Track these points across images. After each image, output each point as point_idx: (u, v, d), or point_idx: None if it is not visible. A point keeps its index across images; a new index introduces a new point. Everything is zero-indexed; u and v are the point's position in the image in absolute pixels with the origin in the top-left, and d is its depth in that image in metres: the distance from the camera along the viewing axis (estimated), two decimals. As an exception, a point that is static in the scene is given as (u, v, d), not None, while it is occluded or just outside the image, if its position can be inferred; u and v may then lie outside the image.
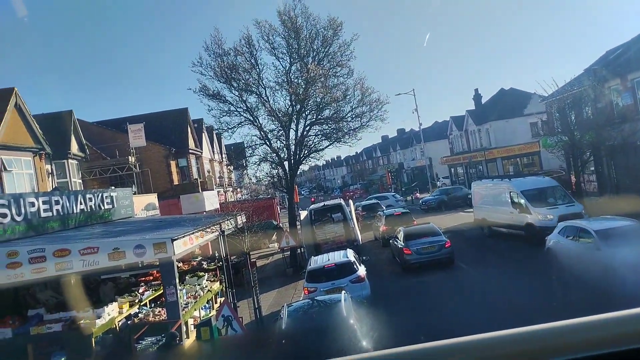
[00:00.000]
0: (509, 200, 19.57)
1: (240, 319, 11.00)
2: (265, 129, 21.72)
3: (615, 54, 26.56)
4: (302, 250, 21.53)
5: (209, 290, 15.30)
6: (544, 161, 41.10)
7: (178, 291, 11.94)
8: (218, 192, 33.99)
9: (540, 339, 1.07)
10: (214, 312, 15.33)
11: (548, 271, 13.45)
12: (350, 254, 14.00)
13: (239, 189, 45.07)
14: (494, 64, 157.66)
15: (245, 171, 42.19)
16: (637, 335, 1.03)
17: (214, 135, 39.26)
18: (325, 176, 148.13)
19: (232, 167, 43.57)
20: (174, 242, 11.89)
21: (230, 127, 22.03)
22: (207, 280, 16.56)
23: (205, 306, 14.66)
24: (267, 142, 21.83)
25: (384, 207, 31.13)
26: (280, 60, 22.00)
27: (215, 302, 16.08)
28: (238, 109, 21.77)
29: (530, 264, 15.53)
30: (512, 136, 43.41)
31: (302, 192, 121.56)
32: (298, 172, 25.96)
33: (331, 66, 21.66)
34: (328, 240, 21.40)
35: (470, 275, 16.03)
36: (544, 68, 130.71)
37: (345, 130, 22.16)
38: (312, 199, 52.60)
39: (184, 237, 12.79)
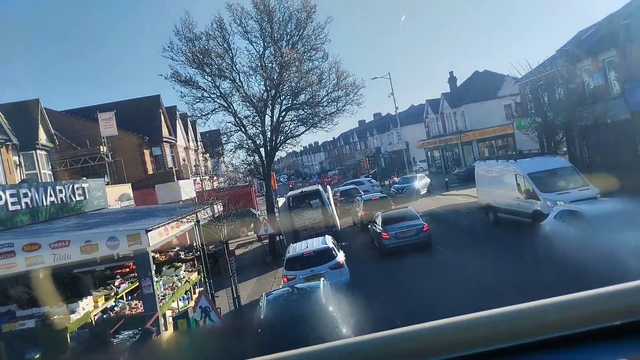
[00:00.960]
0: (515, 185, 17.45)
1: (219, 309, 10.86)
2: (240, 115, 21.42)
3: (587, 34, 26.89)
4: (281, 238, 21.41)
5: (186, 281, 15.08)
6: (518, 143, 41.67)
7: (154, 283, 11.71)
8: (194, 180, 33.52)
9: (523, 317, 1.08)
10: (192, 303, 15.15)
11: (534, 254, 13.45)
12: (329, 240, 13.95)
13: (215, 177, 44.59)
14: (468, 46, 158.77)
15: (221, 159, 41.78)
16: (622, 311, 1.04)
17: (189, 122, 38.57)
18: (303, 162, 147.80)
19: (208, 154, 43.08)
20: (149, 233, 11.60)
21: (204, 113, 21.65)
22: (184, 271, 16.32)
23: (183, 297, 14.45)
24: (243, 129, 21.54)
25: (362, 192, 31.18)
26: (254, 44, 21.66)
27: (194, 293, 15.87)
28: (212, 95, 21.39)
29: (519, 247, 15.22)
30: (487, 119, 43.84)
31: (281, 179, 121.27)
32: (275, 159, 25.74)
33: (305, 50, 21.39)
34: (307, 226, 21.32)
35: (449, 258, 16.18)
36: (517, 50, 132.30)
37: (322, 115, 22.00)
38: (290, 186, 52.42)
39: (158, 227, 12.51)
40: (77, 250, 11.54)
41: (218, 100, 21.30)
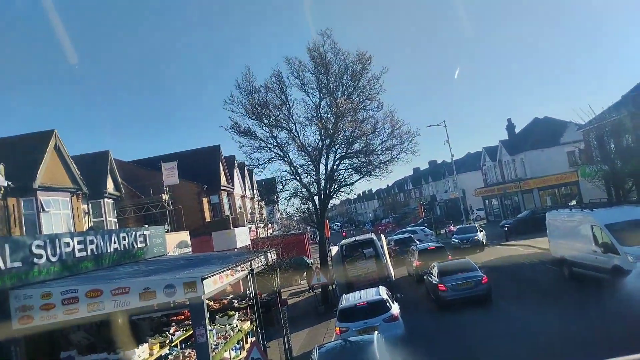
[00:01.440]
0: (591, 237, 15.90)
1: (271, 361, 10.67)
2: (295, 164, 21.79)
3: (653, 80, 25.72)
4: (334, 287, 21.10)
5: (239, 330, 15.02)
6: (583, 191, 39.73)
7: (208, 332, 11.75)
8: (249, 228, 34.07)
9: None
10: (244, 354, 15.03)
11: (609, 310, 12.44)
12: (383, 292, 13.57)
13: (270, 225, 45.17)
14: (526, 93, 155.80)
15: (276, 206, 42.41)
16: None
17: (245, 171, 39.75)
18: (356, 210, 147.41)
19: (263, 202, 43.89)
20: (204, 281, 11.76)
21: (260, 162, 22.19)
22: (237, 320, 16.32)
23: (235, 347, 14.37)
24: (297, 177, 21.84)
25: (417, 242, 30.45)
26: (310, 95, 22.25)
27: (246, 342, 15.77)
28: (268, 145, 21.95)
29: (591, 304, 14.29)
30: (548, 166, 42.27)
31: (334, 227, 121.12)
32: (329, 206, 25.81)
33: (360, 100, 21.72)
34: (360, 276, 20.94)
35: (510, 313, 15.27)
36: (577, 97, 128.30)
37: (376, 164, 21.99)
38: (344, 233, 52.07)
39: (213, 275, 12.66)
40: (136, 296, 11.82)
41: (274, 150, 21.85)
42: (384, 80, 21.86)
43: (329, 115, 21.66)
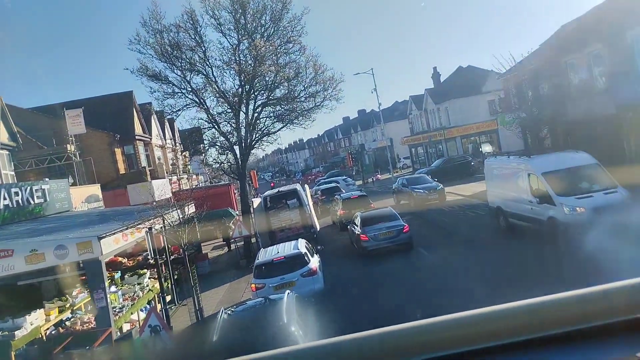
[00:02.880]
0: (528, 186, 14.78)
1: (171, 328, 9.89)
2: (212, 112, 20.39)
3: (570, 28, 26.30)
4: (257, 240, 20.47)
5: (150, 290, 14.07)
6: (502, 139, 41.24)
7: (108, 295, 10.72)
8: (170, 179, 32.35)
9: (520, 314, 1.06)
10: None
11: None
12: (302, 245, 13.03)
13: (195, 176, 43.41)
14: (453, 41, 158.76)
15: (203, 157, 40.63)
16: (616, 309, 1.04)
17: (166, 120, 37.39)
18: (287, 160, 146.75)
19: (187, 152, 41.86)
20: (102, 241, 10.64)
21: (175, 110, 20.62)
22: (150, 278, 15.32)
23: (145, 307, 13.43)
24: (216, 126, 20.52)
25: (343, 191, 30.34)
26: (228, 37, 20.65)
27: (159, 302, 14.89)
28: (182, 91, 20.32)
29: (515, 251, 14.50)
30: (471, 115, 43.30)
31: (265, 177, 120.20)
32: (261, 156, 24.86)
33: (281, 43, 20.43)
34: (284, 227, 20.45)
35: (430, 260, 15.41)
36: (502, 45, 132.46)
37: (299, 111, 21.07)
38: (272, 184, 51.32)
39: (114, 234, 11.53)
40: (21, 260, 10.53)
41: (189, 96, 20.27)
42: (305, 21, 20.66)
43: (248, 59, 20.24)
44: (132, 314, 12.32)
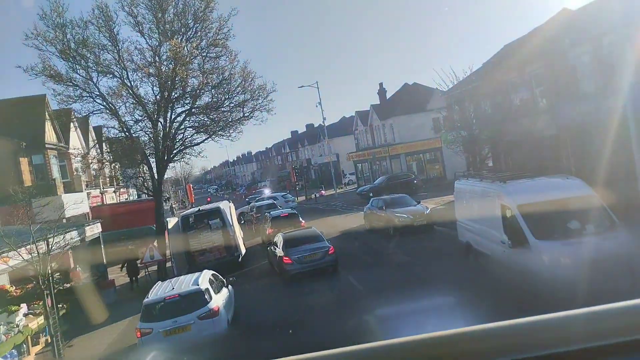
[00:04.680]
0: (500, 222, 11.18)
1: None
2: (125, 120, 18.07)
3: (512, 48, 25.88)
4: (172, 264, 18.19)
5: (20, 331, 11.56)
6: (446, 158, 40.73)
7: None
8: (88, 193, 29.38)
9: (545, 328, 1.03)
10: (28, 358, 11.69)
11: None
12: (204, 279, 10.94)
13: (123, 190, 40.22)
14: (400, 58, 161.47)
15: (139, 168, 37.55)
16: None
17: (90, 126, 34.26)
18: (235, 173, 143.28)
19: (115, 163, 38.67)
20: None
21: (82, 115, 18.13)
22: (27, 314, 12.79)
23: (11, 353, 10.92)
24: (127, 134, 18.19)
25: (280, 208, 28.49)
26: (147, 37, 18.42)
27: (35, 344, 12.37)
28: (92, 95, 17.89)
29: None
30: (416, 132, 42.62)
31: (210, 190, 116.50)
32: (209, 169, 22.43)
33: (205, 45, 18.43)
34: (204, 250, 18.29)
35: (355, 286, 13.79)
36: (448, 63, 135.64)
37: (225, 122, 19.07)
38: (208, 199, 48.62)
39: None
40: None
41: (98, 101, 17.86)
42: (232, 23, 18.79)
43: (169, 63, 18.11)
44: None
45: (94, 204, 31.00)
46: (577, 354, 0.98)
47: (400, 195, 23.39)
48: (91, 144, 35.18)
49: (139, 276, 18.79)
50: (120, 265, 19.38)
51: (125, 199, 40.48)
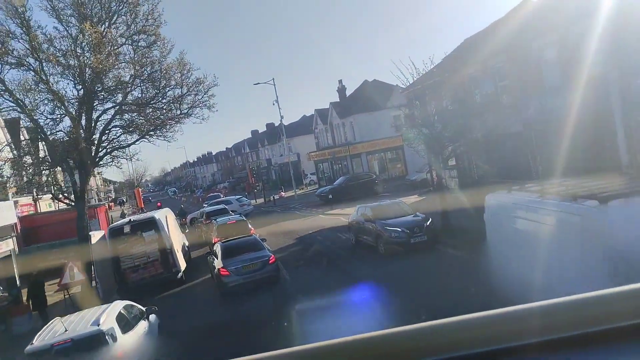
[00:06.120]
0: (599, 267, 6.27)
1: None
2: (37, 118, 15.65)
3: (474, 40, 24.67)
4: (96, 285, 15.88)
5: None
6: (408, 156, 39.52)
7: None
8: (15, 202, 26.41)
9: (531, 316, 1.04)
10: None
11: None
12: (110, 316, 8.79)
13: (63, 196, 36.87)
14: (360, 54, 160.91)
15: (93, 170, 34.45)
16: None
17: (23, 127, 31.09)
18: (195, 174, 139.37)
19: (58, 168, 35.48)
20: None
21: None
22: None
23: None
24: (42, 135, 15.82)
25: (232, 214, 26.39)
26: (65, 24, 16.05)
27: None
28: (-3, 88, 15.42)
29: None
30: (377, 130, 41.20)
31: (169, 192, 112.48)
32: (169, 169, 20.06)
33: (132, 33, 16.20)
34: (137, 267, 16.10)
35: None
36: (408, 59, 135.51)
37: (158, 120, 16.89)
38: (159, 204, 45.80)
39: None
40: None
41: (5, 96, 15.40)
42: (163, 8, 16.52)
43: (91, 52, 15.78)
44: None
45: (25, 213, 28.05)
46: (533, 347, 0.99)
47: (392, 202, 18.69)
48: (25, 144, 32.08)
49: (47, 306, 14.97)
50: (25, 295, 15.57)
51: (68, 205, 37.31)
